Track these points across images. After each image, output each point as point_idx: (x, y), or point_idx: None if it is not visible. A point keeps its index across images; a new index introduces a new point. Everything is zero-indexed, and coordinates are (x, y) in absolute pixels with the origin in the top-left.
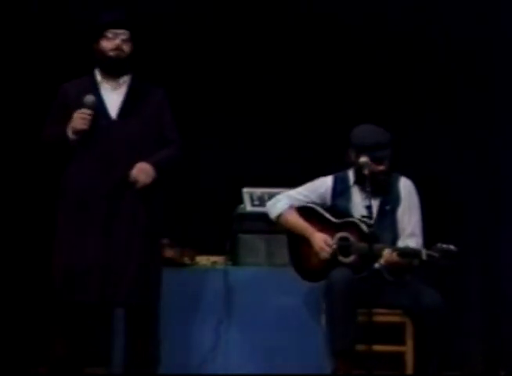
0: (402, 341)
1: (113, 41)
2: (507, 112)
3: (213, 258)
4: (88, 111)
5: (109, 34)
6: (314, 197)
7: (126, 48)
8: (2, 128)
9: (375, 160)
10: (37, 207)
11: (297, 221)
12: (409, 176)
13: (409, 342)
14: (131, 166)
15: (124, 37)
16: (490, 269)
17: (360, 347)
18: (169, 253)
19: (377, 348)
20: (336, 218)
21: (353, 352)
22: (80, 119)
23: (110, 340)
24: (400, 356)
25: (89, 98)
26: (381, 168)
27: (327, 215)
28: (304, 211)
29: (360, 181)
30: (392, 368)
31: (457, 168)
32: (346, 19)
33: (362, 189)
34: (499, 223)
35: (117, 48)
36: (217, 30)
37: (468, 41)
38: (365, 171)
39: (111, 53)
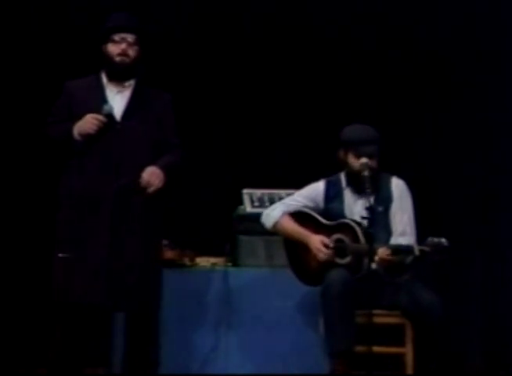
0: (401, 343)
1: (120, 46)
2: (506, 110)
3: (213, 260)
4: (102, 118)
5: (116, 38)
6: (307, 202)
7: (132, 52)
8: (3, 127)
9: (361, 156)
10: (37, 207)
11: (292, 226)
12: (408, 176)
13: (409, 344)
14: (133, 169)
15: (130, 40)
16: (490, 269)
17: (360, 348)
18: (169, 254)
19: (377, 349)
20: (329, 220)
21: (351, 353)
22: (90, 123)
23: (110, 341)
24: (400, 357)
25: (109, 107)
26: (368, 163)
27: (320, 219)
28: (298, 216)
29: (352, 182)
30: (392, 369)
31: (457, 165)
32: (340, 21)
33: (354, 190)
34: (500, 222)
35: (123, 53)
36: (216, 34)
37: (471, 42)
38: (366, 173)
39: (116, 59)
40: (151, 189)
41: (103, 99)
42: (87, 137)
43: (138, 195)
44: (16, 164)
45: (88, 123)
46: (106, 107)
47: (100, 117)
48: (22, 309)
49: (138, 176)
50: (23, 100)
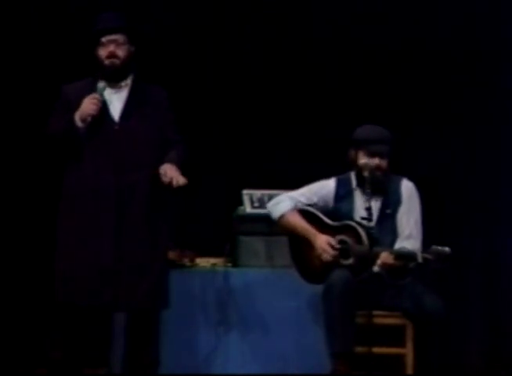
0: (402, 344)
1: (108, 48)
2: (506, 110)
3: (213, 260)
4: (99, 97)
5: (104, 40)
6: (316, 199)
7: (121, 53)
8: (2, 130)
9: (371, 154)
10: (38, 208)
11: (299, 222)
12: (409, 177)
13: (409, 344)
14: (135, 168)
15: (120, 41)
16: (491, 269)
17: (360, 349)
18: (169, 254)
19: (377, 350)
20: (336, 220)
21: (352, 354)
22: (90, 104)
23: (110, 341)
24: (400, 358)
25: (103, 85)
26: (377, 162)
27: (325, 219)
28: (303, 213)
29: (362, 183)
30: (392, 370)
31: (457, 168)
32: (347, 22)
33: (364, 191)
34: (500, 223)
35: (111, 56)
36: (219, 32)
37: (471, 42)
38: (365, 173)
39: (106, 62)
40: (180, 182)
41: (96, 82)
42: (89, 121)
43: (135, 193)
44: (17, 166)
45: (87, 105)
46: (100, 86)
47: (97, 96)
48: (22, 308)
49: (145, 174)
50: (22, 102)
